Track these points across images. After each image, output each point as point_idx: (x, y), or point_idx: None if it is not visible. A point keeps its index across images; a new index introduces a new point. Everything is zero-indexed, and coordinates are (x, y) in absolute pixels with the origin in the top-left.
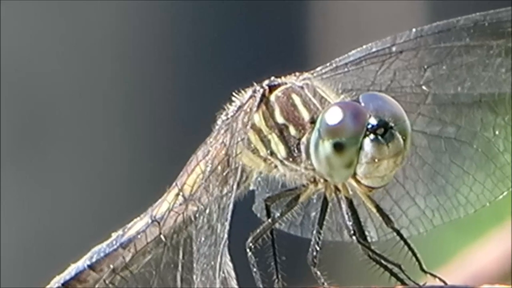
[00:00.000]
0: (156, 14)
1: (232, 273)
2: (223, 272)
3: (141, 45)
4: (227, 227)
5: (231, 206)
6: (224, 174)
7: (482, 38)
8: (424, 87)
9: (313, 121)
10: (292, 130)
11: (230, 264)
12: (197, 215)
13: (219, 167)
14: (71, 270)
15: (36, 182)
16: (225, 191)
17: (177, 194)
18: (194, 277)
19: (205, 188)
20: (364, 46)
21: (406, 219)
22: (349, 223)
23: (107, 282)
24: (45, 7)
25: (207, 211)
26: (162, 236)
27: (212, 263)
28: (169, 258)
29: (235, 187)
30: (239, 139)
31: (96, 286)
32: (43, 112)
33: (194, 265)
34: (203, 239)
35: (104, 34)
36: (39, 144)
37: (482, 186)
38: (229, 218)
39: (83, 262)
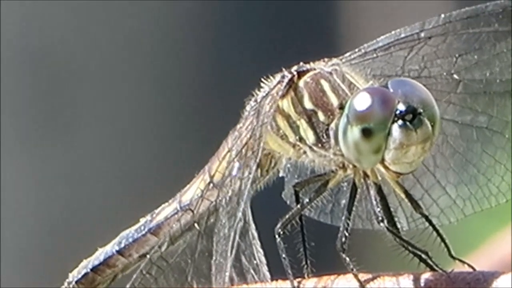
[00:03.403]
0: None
1: (263, 259)
2: (255, 259)
3: (167, 22)
4: (242, 206)
5: (248, 185)
6: (247, 156)
7: (511, 24)
8: (455, 76)
9: (341, 107)
10: (321, 116)
11: (261, 250)
12: (220, 199)
13: (243, 151)
14: (99, 254)
15: (63, 161)
16: (246, 173)
17: (208, 181)
18: (213, 259)
19: (230, 173)
20: (393, 32)
21: (437, 208)
22: (377, 209)
23: (144, 272)
24: None
25: (229, 193)
26: (195, 224)
27: (230, 244)
28: (203, 246)
29: (254, 168)
30: (264, 121)
31: (134, 276)
32: (70, 89)
33: (214, 247)
34: (223, 221)
35: (135, 13)
36: (67, 121)
37: None
38: (245, 198)
39: (111, 247)
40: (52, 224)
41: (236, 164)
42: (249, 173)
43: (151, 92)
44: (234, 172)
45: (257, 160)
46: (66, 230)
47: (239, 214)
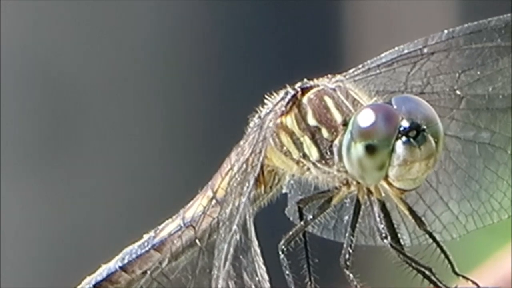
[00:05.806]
0: (186, 14)
1: (266, 276)
2: (257, 275)
3: (173, 43)
4: (238, 219)
5: (245, 200)
6: (247, 171)
7: None
8: (457, 91)
9: (345, 124)
10: (325, 133)
11: (264, 267)
12: (221, 214)
13: (244, 166)
14: (102, 271)
15: (66, 181)
16: (244, 188)
17: (210, 197)
18: (213, 272)
19: (231, 189)
20: (396, 48)
21: (439, 224)
22: (381, 226)
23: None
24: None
25: (228, 208)
26: (197, 240)
27: (223, 256)
28: (204, 262)
29: (252, 183)
30: (266, 136)
31: None
32: (75, 109)
33: (214, 262)
34: (222, 236)
35: (137, 31)
36: (72, 142)
37: None
38: (241, 211)
39: (114, 263)
40: (56, 242)
41: (237, 180)
42: (248, 187)
43: (158, 114)
44: (234, 188)
45: (256, 175)
46: (70, 249)
47: (234, 227)
